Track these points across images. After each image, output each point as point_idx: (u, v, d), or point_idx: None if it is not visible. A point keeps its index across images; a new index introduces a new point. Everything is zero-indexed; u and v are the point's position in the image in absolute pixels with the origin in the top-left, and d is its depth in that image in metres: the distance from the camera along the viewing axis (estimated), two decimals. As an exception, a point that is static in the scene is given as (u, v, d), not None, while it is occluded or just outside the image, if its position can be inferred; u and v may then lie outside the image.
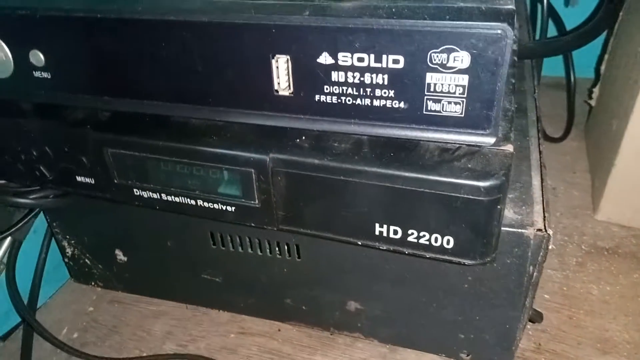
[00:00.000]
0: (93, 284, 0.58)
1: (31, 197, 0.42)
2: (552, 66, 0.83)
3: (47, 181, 0.41)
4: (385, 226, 0.33)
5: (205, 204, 0.37)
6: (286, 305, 0.49)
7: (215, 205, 0.36)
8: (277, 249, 0.45)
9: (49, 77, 0.36)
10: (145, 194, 0.38)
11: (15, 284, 0.50)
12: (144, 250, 0.51)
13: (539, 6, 0.69)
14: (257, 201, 0.35)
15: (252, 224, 0.36)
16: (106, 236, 0.52)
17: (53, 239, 0.56)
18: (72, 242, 0.54)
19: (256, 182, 0.34)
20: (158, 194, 0.38)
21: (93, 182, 0.39)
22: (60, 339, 0.51)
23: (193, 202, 0.37)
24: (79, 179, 0.40)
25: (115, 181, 0.38)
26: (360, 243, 0.34)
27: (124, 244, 0.52)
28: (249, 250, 0.46)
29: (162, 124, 0.37)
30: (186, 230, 0.48)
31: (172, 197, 0.37)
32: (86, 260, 0.55)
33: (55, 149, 0.39)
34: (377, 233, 0.33)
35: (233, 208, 0.36)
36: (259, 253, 0.46)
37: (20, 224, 0.44)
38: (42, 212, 0.52)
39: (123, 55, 0.33)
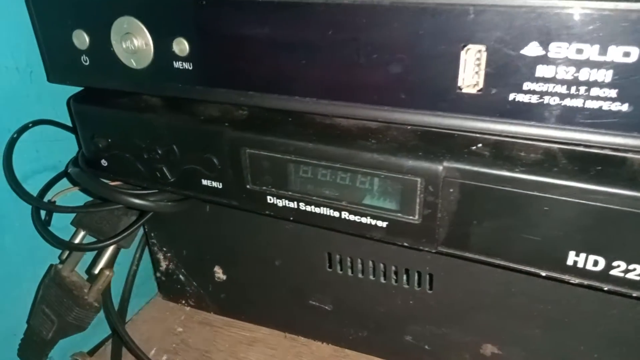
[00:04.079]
0: (183, 302, 0.54)
1: (151, 199, 0.38)
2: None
3: (168, 183, 0.38)
4: (582, 255, 0.27)
5: (351, 217, 0.32)
6: (405, 342, 0.43)
7: (364, 219, 0.32)
8: (405, 277, 0.40)
9: (190, 68, 0.33)
10: (280, 203, 0.34)
11: (110, 294, 0.46)
12: (247, 269, 0.47)
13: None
14: (417, 216, 0.30)
15: (405, 244, 0.32)
16: (207, 251, 0.49)
17: (147, 251, 0.53)
18: (169, 255, 0.51)
19: (421, 193, 0.29)
20: (296, 202, 0.33)
21: (221, 186, 0.36)
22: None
23: (336, 214, 0.33)
24: (204, 182, 0.36)
25: (248, 186, 0.34)
26: (543, 274, 0.29)
27: (226, 261, 0.48)
28: (371, 276, 0.42)
29: (306, 124, 0.33)
30: (300, 250, 0.43)
31: (312, 207, 0.33)
32: (180, 276, 0.52)
33: (183, 148, 0.36)
34: (569, 263, 0.28)
35: (385, 223, 0.31)
36: (382, 280, 0.41)
37: (131, 230, 0.41)
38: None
39: (279, 44, 0.30)
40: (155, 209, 0.39)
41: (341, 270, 0.43)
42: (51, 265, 0.43)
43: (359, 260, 0.41)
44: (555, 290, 0.35)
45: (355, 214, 0.32)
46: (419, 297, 0.40)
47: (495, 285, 0.37)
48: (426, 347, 0.43)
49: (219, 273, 0.49)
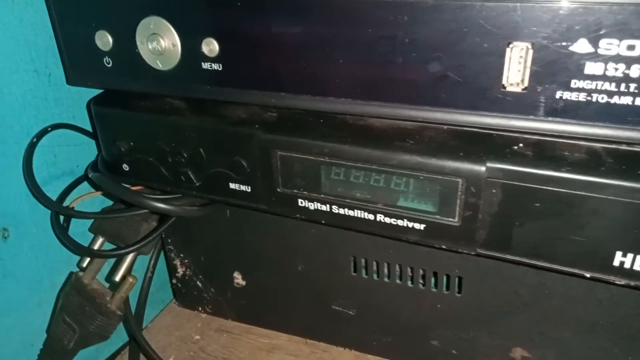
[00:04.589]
0: (200, 309, 0.53)
1: (176, 203, 0.38)
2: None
3: (193, 188, 0.37)
4: (630, 255, 0.27)
5: (387, 220, 0.32)
6: (430, 347, 0.43)
7: (400, 222, 0.31)
8: (432, 280, 0.40)
9: (220, 69, 0.32)
10: (311, 206, 0.33)
11: (128, 301, 0.45)
12: (268, 275, 0.46)
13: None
14: (457, 218, 0.30)
15: (443, 246, 0.31)
16: (226, 256, 0.48)
17: (161, 257, 0.52)
18: (186, 261, 0.50)
19: (462, 195, 0.29)
20: (328, 205, 0.33)
21: (249, 190, 0.35)
22: (168, 368, 0.46)
23: (371, 216, 0.32)
24: (232, 186, 0.35)
25: (278, 190, 0.34)
26: (588, 276, 0.28)
27: (246, 267, 0.47)
28: (397, 280, 0.41)
29: (339, 125, 0.32)
30: (324, 254, 0.43)
31: (346, 210, 0.32)
32: (197, 282, 0.51)
33: (210, 151, 0.35)
34: (616, 264, 0.27)
35: (422, 226, 0.31)
36: (409, 284, 0.41)
37: (154, 235, 0.40)
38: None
39: (314, 43, 0.29)
40: (181, 214, 0.38)
41: (366, 274, 0.42)
42: (71, 273, 0.42)
43: (385, 264, 0.41)
44: (589, 292, 0.35)
45: (392, 216, 0.31)
46: (446, 301, 0.40)
47: (527, 287, 0.37)
48: (453, 351, 0.42)
49: (238, 279, 0.48)
